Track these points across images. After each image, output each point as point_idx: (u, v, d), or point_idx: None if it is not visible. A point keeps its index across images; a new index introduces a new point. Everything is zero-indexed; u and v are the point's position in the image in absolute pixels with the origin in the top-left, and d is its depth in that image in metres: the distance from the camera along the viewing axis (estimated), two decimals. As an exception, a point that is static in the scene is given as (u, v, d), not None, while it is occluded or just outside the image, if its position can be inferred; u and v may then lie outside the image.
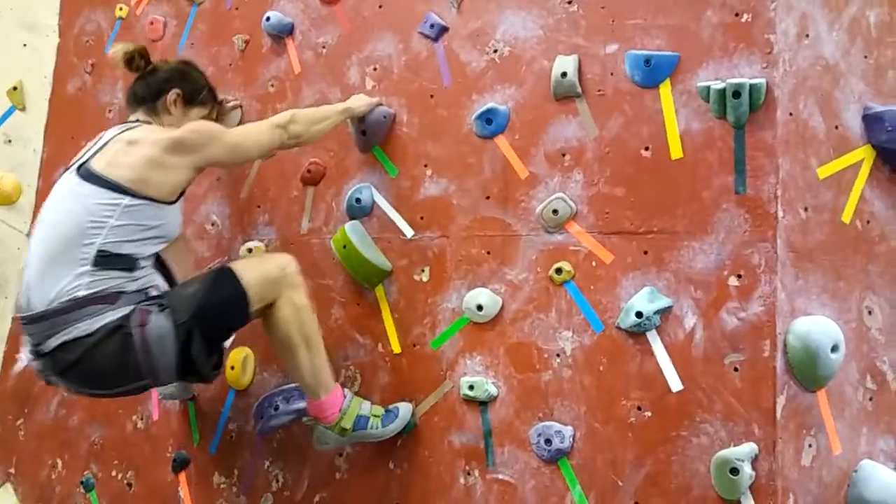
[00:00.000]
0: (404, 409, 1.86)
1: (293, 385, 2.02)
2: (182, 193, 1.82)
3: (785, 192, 1.50)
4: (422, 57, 2.01)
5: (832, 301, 1.57)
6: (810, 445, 1.48)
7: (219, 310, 1.70)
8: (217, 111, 2.12)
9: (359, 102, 2.01)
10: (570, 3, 1.78)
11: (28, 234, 1.75)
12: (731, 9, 1.57)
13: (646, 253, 1.61)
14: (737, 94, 1.51)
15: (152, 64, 1.98)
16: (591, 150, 1.71)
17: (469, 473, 1.77)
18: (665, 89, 1.63)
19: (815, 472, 1.49)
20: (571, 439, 1.63)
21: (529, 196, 1.78)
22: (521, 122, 1.82)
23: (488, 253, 1.82)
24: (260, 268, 1.79)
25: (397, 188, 2.00)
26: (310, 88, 2.21)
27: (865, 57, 1.70)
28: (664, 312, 1.56)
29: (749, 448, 1.43)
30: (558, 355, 1.69)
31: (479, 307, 1.79)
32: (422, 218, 1.94)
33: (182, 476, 2.26)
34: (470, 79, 1.92)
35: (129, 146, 1.73)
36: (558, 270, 1.71)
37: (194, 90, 1.97)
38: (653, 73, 1.64)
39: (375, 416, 1.83)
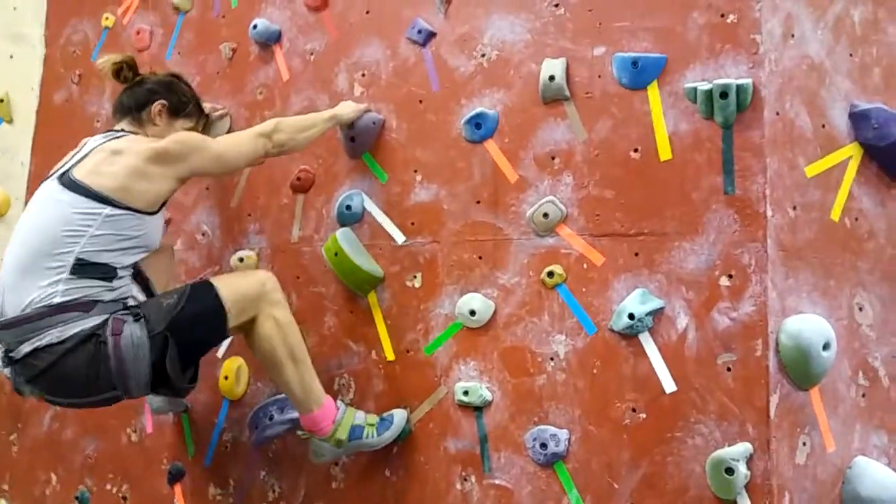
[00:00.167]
0: (399, 416, 1.85)
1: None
2: (164, 204, 1.81)
3: (773, 192, 1.50)
4: (410, 62, 2.01)
5: (823, 299, 1.58)
6: (804, 444, 1.49)
7: (195, 322, 1.69)
8: (203, 124, 2.12)
9: (346, 109, 2.01)
10: (556, 6, 1.78)
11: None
12: (716, 10, 1.58)
13: (637, 255, 1.61)
14: (724, 94, 1.52)
15: (140, 75, 1.98)
16: (581, 153, 1.71)
17: (465, 479, 1.77)
18: (653, 91, 1.63)
19: (809, 470, 1.49)
20: (567, 443, 1.63)
21: (520, 200, 1.78)
22: (509, 126, 1.82)
23: (480, 258, 1.82)
24: (239, 283, 1.79)
25: (387, 194, 2.00)
26: (298, 95, 2.20)
27: (851, 55, 1.71)
28: (656, 314, 1.57)
29: (744, 448, 1.43)
30: (552, 359, 1.69)
31: (472, 312, 1.79)
32: (413, 224, 1.94)
33: (177, 488, 2.24)
34: (458, 84, 1.92)
35: (113, 155, 1.72)
36: (550, 274, 1.71)
37: (180, 102, 1.96)
38: (640, 75, 1.64)
39: (370, 424, 1.83)
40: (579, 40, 1.74)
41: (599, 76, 1.71)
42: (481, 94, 1.87)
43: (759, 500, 1.42)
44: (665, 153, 1.60)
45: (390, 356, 1.93)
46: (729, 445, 1.45)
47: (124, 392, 1.65)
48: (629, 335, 1.59)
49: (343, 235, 1.98)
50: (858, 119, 1.68)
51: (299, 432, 1.88)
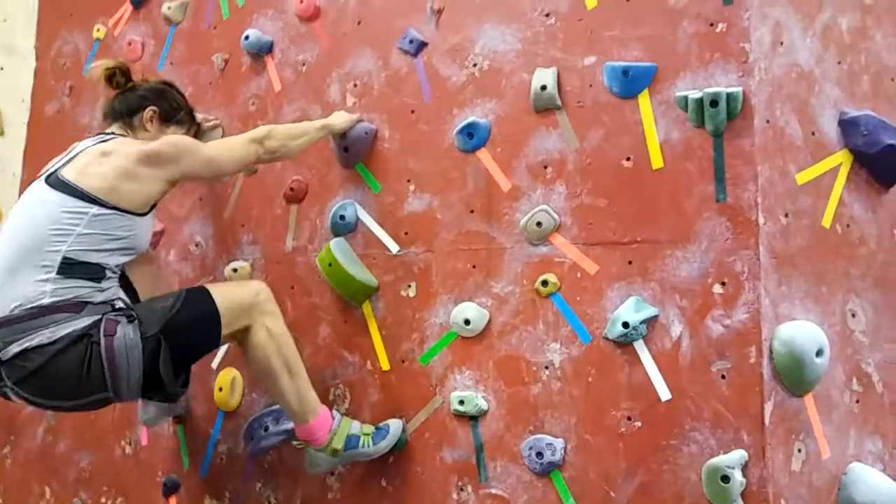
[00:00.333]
0: (395, 425, 1.85)
1: (282, 405, 2.01)
2: (154, 206, 1.81)
3: (765, 199, 1.51)
4: (402, 72, 2.01)
5: (815, 305, 1.58)
6: (799, 450, 1.49)
7: (189, 327, 1.68)
8: (195, 132, 2.11)
9: (339, 119, 2.02)
10: (547, 15, 1.79)
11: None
12: (705, 19, 1.59)
13: (630, 263, 1.62)
14: (714, 102, 1.53)
15: (133, 82, 1.98)
16: (573, 162, 1.72)
17: (462, 489, 1.77)
18: (644, 100, 1.64)
19: (805, 477, 1.50)
20: (563, 452, 1.63)
21: (513, 209, 1.78)
22: (502, 135, 1.83)
23: (474, 267, 1.82)
24: (233, 291, 1.80)
25: (381, 204, 2.00)
26: (290, 106, 2.20)
27: (839, 63, 1.73)
28: (650, 322, 1.57)
29: (739, 455, 1.43)
30: (547, 367, 1.69)
31: (467, 321, 1.79)
32: (406, 233, 1.94)
33: (172, 501, 2.23)
34: (450, 93, 1.92)
35: (102, 157, 1.72)
36: (544, 282, 1.71)
37: (171, 109, 1.96)
38: (631, 84, 1.65)
39: (366, 434, 1.82)
40: (570, 50, 1.75)
41: (590, 85, 1.71)
42: (473, 103, 1.88)
43: (755, 508, 1.42)
44: (657, 161, 1.61)
45: (385, 366, 1.93)
46: (724, 453, 1.45)
47: (115, 394, 1.62)
48: (624, 343, 1.59)
49: (337, 245, 1.98)
50: (848, 126, 1.69)
51: (295, 442, 1.87)
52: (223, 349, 2.18)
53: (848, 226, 1.69)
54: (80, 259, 1.64)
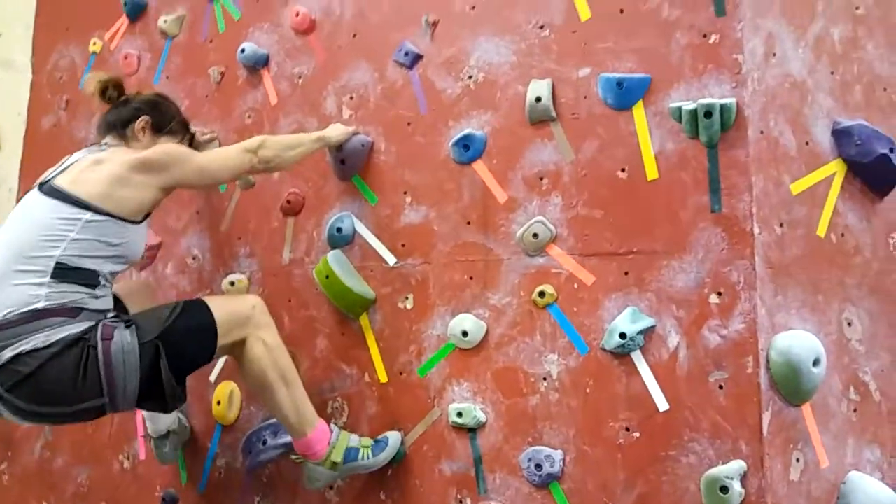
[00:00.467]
0: (393, 437, 1.85)
1: (280, 419, 2.00)
2: (148, 215, 1.81)
3: (760, 209, 1.51)
4: (397, 85, 2.02)
5: (812, 315, 1.59)
6: (798, 460, 1.49)
7: (186, 337, 1.68)
8: (189, 143, 2.12)
9: (335, 132, 2.02)
10: (541, 28, 1.80)
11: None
12: (698, 30, 1.60)
13: (626, 273, 1.62)
14: (708, 113, 1.53)
15: (125, 95, 1.99)
16: (568, 173, 1.72)
17: (461, 501, 1.76)
18: (638, 111, 1.65)
19: (803, 487, 1.50)
20: (561, 463, 1.63)
21: (509, 220, 1.79)
22: (497, 147, 1.83)
23: (471, 278, 1.83)
24: (229, 304, 1.80)
25: (378, 216, 2.00)
26: (287, 119, 2.21)
27: (832, 73, 1.74)
28: (647, 332, 1.57)
29: (737, 465, 1.43)
30: (545, 379, 1.69)
31: (464, 333, 1.79)
32: (403, 245, 1.95)
33: (170, 515, 2.22)
34: (446, 105, 1.93)
35: (96, 164, 1.73)
36: (541, 294, 1.71)
37: (163, 118, 1.97)
38: (625, 96, 1.66)
39: (365, 447, 1.82)
40: (564, 62, 1.76)
41: (585, 97, 1.72)
42: (469, 115, 1.89)
43: (754, 518, 1.42)
44: (652, 172, 1.62)
45: (383, 378, 1.93)
46: (723, 463, 1.45)
47: (110, 401, 1.60)
48: (621, 354, 1.59)
49: (334, 258, 1.98)
50: (841, 136, 1.70)
51: (293, 456, 1.87)
52: (221, 362, 2.18)
53: (843, 235, 1.70)
54: (73, 265, 1.64)
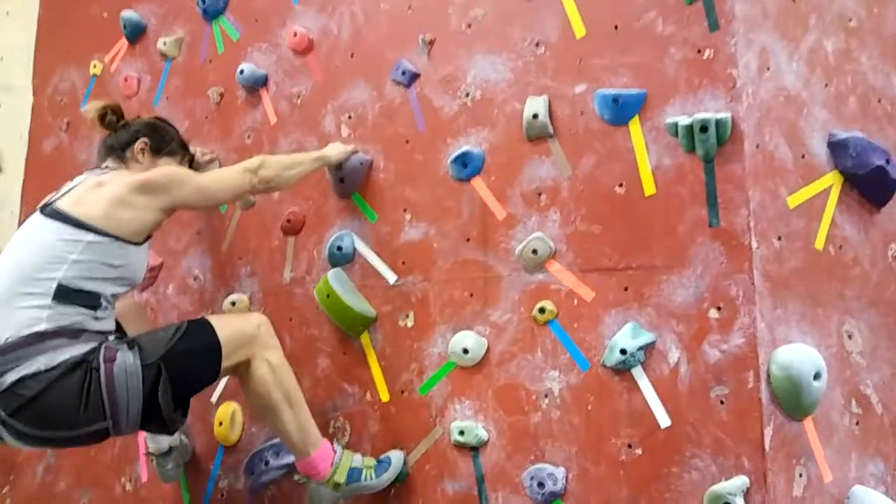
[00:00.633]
0: (396, 457, 1.84)
1: (282, 439, 2.00)
2: (149, 236, 1.82)
3: (757, 223, 1.52)
4: (395, 103, 2.04)
5: (812, 328, 1.59)
6: (801, 475, 1.48)
7: (190, 358, 1.68)
8: (189, 163, 2.13)
9: (334, 150, 2.03)
10: (537, 45, 1.82)
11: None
12: (692, 46, 1.61)
13: (626, 289, 1.62)
14: (704, 128, 1.54)
15: (124, 120, 2.01)
16: (567, 189, 1.73)
17: (464, 520, 1.76)
18: (634, 126, 1.66)
19: (807, 502, 1.49)
20: (564, 481, 1.62)
21: (508, 237, 1.79)
22: (495, 163, 1.84)
23: (471, 295, 1.83)
24: (234, 323, 1.80)
25: (377, 234, 2.01)
26: (286, 138, 2.22)
27: (826, 85, 1.75)
28: (648, 348, 1.57)
29: (740, 481, 1.43)
30: (546, 396, 1.68)
31: (465, 350, 1.79)
32: (403, 263, 1.95)
33: (174, 537, 2.22)
34: (444, 123, 1.94)
35: (97, 187, 1.74)
36: (541, 310, 1.71)
37: (162, 140, 1.98)
38: (621, 111, 1.67)
39: (368, 467, 1.81)
40: (560, 78, 1.77)
41: (582, 113, 1.73)
42: (467, 132, 1.90)
43: (759, 534, 1.41)
44: (649, 188, 1.62)
45: (385, 397, 1.93)
46: (725, 479, 1.45)
47: (114, 425, 1.59)
48: (622, 370, 1.59)
49: (334, 276, 1.99)
50: (837, 148, 1.70)
51: (296, 477, 1.87)
52: (222, 383, 2.18)
53: (841, 247, 1.70)
54: (75, 286, 1.64)
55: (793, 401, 1.47)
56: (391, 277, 1.96)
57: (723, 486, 1.43)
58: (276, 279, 2.17)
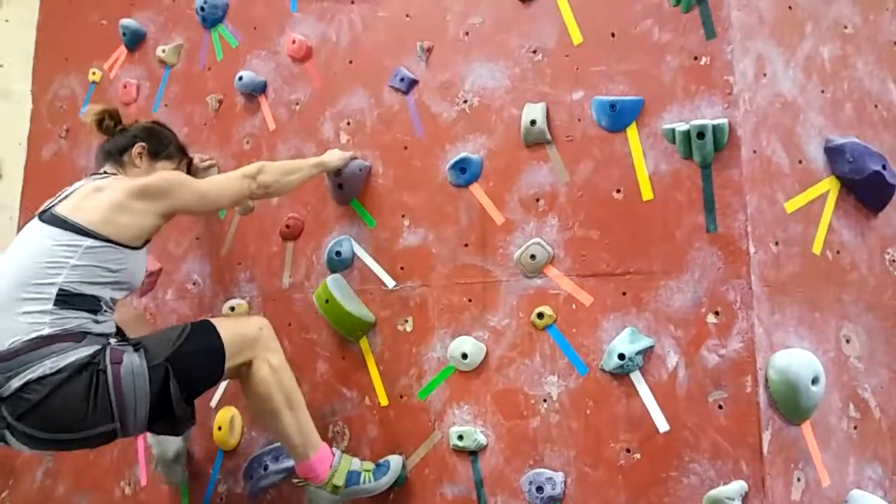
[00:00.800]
0: (395, 461, 1.84)
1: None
2: (148, 241, 1.82)
3: (755, 228, 1.53)
4: (394, 110, 2.04)
5: (809, 333, 1.59)
6: (799, 479, 1.49)
7: (195, 359, 1.69)
8: (187, 167, 2.14)
9: (333, 157, 2.04)
10: (534, 52, 1.83)
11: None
12: (689, 53, 1.62)
13: (624, 294, 1.63)
14: (701, 134, 1.55)
15: (122, 125, 2.01)
16: (564, 195, 1.74)
17: (463, 525, 1.76)
18: (632, 133, 1.67)
19: (805, 506, 1.49)
20: (563, 485, 1.63)
21: (507, 242, 1.80)
22: (493, 169, 1.85)
23: (469, 300, 1.83)
24: (236, 325, 1.81)
25: (376, 239, 2.02)
26: (285, 145, 2.23)
27: (822, 91, 1.76)
28: (646, 352, 1.58)
29: (739, 486, 1.43)
30: (545, 400, 1.69)
31: (464, 355, 1.79)
32: (402, 268, 1.96)
33: (173, 543, 2.21)
34: (442, 129, 1.95)
35: (96, 192, 1.75)
36: (540, 315, 1.72)
37: (160, 144, 1.99)
38: (619, 118, 1.68)
39: (367, 470, 1.82)
40: (558, 85, 1.78)
41: (579, 119, 1.74)
42: (465, 139, 1.91)
43: (758, 538, 1.42)
44: (647, 193, 1.63)
45: (384, 401, 1.93)
46: (724, 484, 1.45)
47: (121, 426, 1.60)
48: (620, 375, 1.60)
49: (333, 282, 1.99)
50: (834, 153, 1.71)
51: (295, 480, 1.87)
52: (222, 387, 2.18)
53: (838, 252, 1.70)
54: (75, 291, 1.65)
55: (791, 405, 1.48)
56: (390, 282, 1.97)
57: (721, 491, 1.44)
58: (275, 284, 2.17)
